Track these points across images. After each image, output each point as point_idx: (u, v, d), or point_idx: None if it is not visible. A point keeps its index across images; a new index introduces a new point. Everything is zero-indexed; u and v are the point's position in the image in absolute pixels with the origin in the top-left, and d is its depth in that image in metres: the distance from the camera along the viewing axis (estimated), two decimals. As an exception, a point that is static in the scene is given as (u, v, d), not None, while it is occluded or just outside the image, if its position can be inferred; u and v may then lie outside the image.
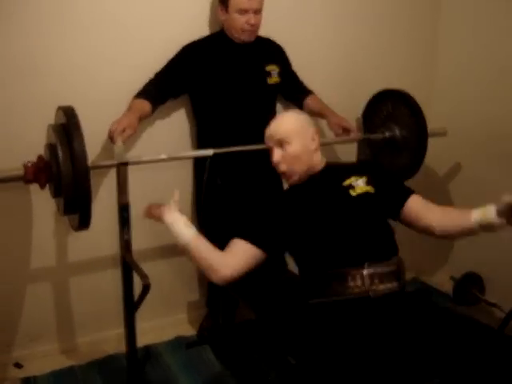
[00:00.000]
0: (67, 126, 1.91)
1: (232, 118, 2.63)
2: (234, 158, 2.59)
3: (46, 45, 2.39)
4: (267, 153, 2.34)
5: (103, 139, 2.14)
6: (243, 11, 2.46)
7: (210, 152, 2.36)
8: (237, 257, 1.95)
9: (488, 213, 2.00)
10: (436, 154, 2.92)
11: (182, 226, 1.94)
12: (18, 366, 2.62)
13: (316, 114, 2.82)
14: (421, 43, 3.37)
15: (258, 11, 2.50)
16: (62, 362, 2.65)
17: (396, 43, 3.27)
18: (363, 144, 2.77)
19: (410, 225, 2.14)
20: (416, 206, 2.10)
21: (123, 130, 2.24)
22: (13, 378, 2.52)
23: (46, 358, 2.66)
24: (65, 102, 2.01)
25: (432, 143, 2.65)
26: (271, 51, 2.73)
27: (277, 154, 2.09)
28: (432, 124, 2.65)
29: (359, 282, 1.91)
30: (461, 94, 3.28)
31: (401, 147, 2.68)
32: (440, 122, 2.90)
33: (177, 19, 2.62)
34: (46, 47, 2.39)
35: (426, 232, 2.10)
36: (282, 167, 2.10)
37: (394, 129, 2.69)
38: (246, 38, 2.56)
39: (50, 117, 2.08)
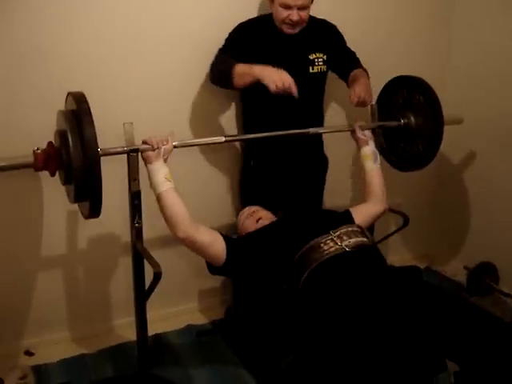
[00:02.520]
0: (77, 112, 1.89)
1: (275, 105, 2.59)
2: (268, 142, 2.62)
3: (57, 30, 2.36)
4: (304, 140, 2.64)
5: (114, 125, 2.11)
6: (287, 6, 2.43)
7: (221, 139, 2.35)
8: (206, 231, 2.15)
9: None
10: (450, 143, 2.88)
11: (162, 178, 2.09)
12: (28, 353, 2.62)
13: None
14: (436, 30, 3.32)
15: (303, 8, 2.45)
16: (72, 350, 2.64)
17: (411, 30, 3.23)
18: (378, 131, 2.72)
19: None
20: None
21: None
22: (24, 366, 2.51)
23: (57, 346, 2.66)
24: (75, 88, 1.98)
25: (446, 131, 2.61)
26: (320, 37, 2.66)
27: None
28: (447, 112, 2.60)
29: (331, 244, 2.11)
30: (476, 82, 3.24)
31: (416, 135, 2.63)
32: (455, 110, 2.85)
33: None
34: (56, 32, 2.37)
35: None
36: None
37: (410, 116, 2.63)
38: (287, 30, 2.51)
39: (60, 103, 2.06)
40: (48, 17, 2.33)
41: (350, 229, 2.20)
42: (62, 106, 2.05)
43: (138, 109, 2.54)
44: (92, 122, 1.86)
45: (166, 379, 2.41)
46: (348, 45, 2.90)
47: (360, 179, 3.06)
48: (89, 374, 2.50)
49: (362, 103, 2.57)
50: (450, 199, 3.53)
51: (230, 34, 2.57)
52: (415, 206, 3.31)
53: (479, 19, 3.19)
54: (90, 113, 1.87)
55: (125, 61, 2.52)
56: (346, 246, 2.11)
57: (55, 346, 2.66)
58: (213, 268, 2.24)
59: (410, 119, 2.63)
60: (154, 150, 2.10)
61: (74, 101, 1.92)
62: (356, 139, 2.60)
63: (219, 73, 2.51)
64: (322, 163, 2.89)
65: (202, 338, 2.78)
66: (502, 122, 3.08)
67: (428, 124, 2.58)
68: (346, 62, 2.78)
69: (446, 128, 2.59)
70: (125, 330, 2.73)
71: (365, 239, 2.19)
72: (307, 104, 2.68)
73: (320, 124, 2.78)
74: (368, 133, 2.60)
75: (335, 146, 2.91)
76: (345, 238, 2.14)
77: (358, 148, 2.62)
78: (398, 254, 3.46)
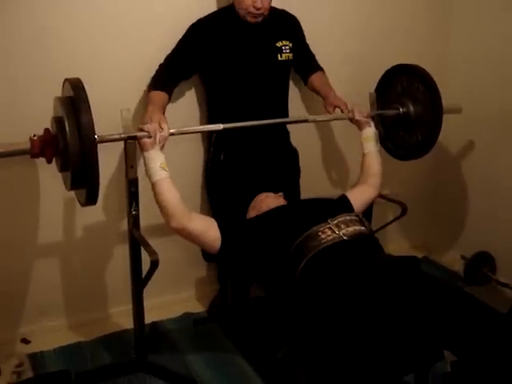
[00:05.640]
0: (74, 99, 1.87)
1: (243, 96, 2.59)
2: (239, 135, 2.57)
3: (54, 16, 2.34)
4: (273, 132, 2.55)
5: (111, 112, 2.09)
6: None
7: (219, 126, 2.32)
8: (199, 219, 2.15)
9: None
10: (449, 132, 2.88)
11: (157, 167, 2.08)
12: (25, 341, 2.62)
13: (317, 93, 2.76)
14: (436, 20, 3.30)
15: None
16: (69, 338, 2.64)
17: (412, 19, 3.21)
18: (376, 120, 2.71)
19: None
20: None
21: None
22: (20, 354, 2.51)
23: (54, 334, 2.65)
24: (73, 75, 1.96)
25: (445, 121, 2.60)
26: (284, 25, 2.65)
27: None
28: (446, 101, 2.59)
29: (329, 232, 2.09)
30: (475, 72, 3.23)
31: (415, 124, 2.62)
32: (454, 100, 2.84)
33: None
34: (53, 19, 2.35)
35: None
36: None
37: (409, 105, 2.62)
38: (251, 20, 2.47)
39: (57, 89, 2.04)
40: (47, 4, 2.31)
41: (348, 217, 2.18)
42: (59, 93, 2.03)
43: (135, 95, 2.53)
44: (89, 108, 1.84)
45: (162, 366, 2.42)
46: (348, 34, 2.89)
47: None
48: (85, 361, 2.50)
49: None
50: (447, 189, 3.53)
51: (186, 32, 2.52)
52: (413, 195, 3.30)
53: (480, 9, 3.17)
54: (87, 99, 1.85)
55: (123, 47, 2.50)
56: (344, 234, 2.09)
57: (52, 333, 2.65)
58: (207, 255, 2.22)
59: (408, 108, 2.62)
60: (149, 137, 2.09)
61: (71, 87, 1.89)
62: (356, 122, 2.60)
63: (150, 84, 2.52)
64: (292, 154, 2.85)
65: (199, 327, 2.78)
66: (501, 112, 3.07)
67: (427, 113, 2.57)
68: (306, 57, 2.78)
69: (445, 118, 2.58)
70: (122, 317, 2.73)
71: (363, 228, 2.18)
72: (274, 93, 2.67)
73: (285, 114, 2.75)
74: (367, 113, 2.61)
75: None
76: (343, 226, 2.12)
77: (360, 130, 2.61)
78: (395, 244, 3.46)
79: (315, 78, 2.77)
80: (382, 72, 2.76)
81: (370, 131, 2.59)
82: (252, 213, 2.41)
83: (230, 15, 2.52)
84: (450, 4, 3.29)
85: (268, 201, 2.41)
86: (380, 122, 2.76)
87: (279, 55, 2.61)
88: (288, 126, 2.79)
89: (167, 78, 2.50)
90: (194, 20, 2.53)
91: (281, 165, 2.77)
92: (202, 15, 2.54)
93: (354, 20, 3.02)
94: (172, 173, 2.11)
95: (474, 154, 3.30)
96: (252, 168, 2.68)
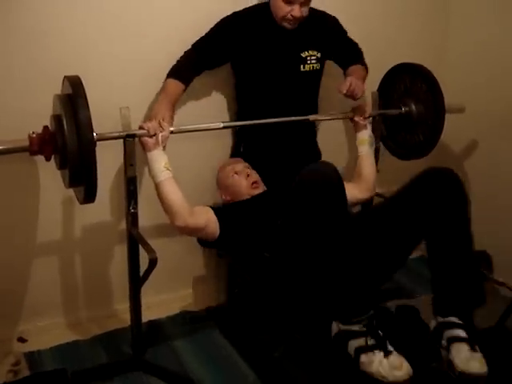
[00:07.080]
0: (73, 97, 1.86)
1: (268, 98, 2.58)
2: (261, 130, 2.58)
3: (54, 13, 2.31)
4: (297, 130, 2.65)
5: (111, 110, 2.07)
6: (289, 1, 2.36)
7: (219, 125, 2.35)
8: (200, 212, 2.21)
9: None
10: (451, 131, 2.86)
11: (161, 167, 2.11)
12: (21, 340, 2.59)
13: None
14: (436, 19, 3.29)
15: (304, 3, 2.39)
16: (66, 337, 2.62)
17: (412, 18, 3.19)
18: (378, 119, 2.70)
19: None
20: None
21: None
22: (16, 352, 2.49)
23: (51, 333, 2.63)
24: (72, 73, 1.95)
25: (447, 120, 2.59)
26: (316, 33, 2.59)
27: None
28: (448, 100, 2.58)
29: None
30: (475, 70, 3.22)
31: (417, 123, 2.62)
32: (455, 99, 2.82)
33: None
34: (53, 15, 2.31)
35: None
36: None
37: (411, 104, 2.62)
38: (286, 26, 2.45)
39: (57, 87, 2.02)
40: (46, 2, 2.28)
41: None
42: (59, 91, 2.02)
43: (136, 94, 2.50)
44: (87, 105, 1.83)
45: (159, 365, 2.42)
46: (348, 32, 2.86)
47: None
48: (83, 360, 2.47)
49: (350, 95, 2.52)
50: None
51: (220, 22, 2.50)
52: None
53: (478, 6, 3.16)
54: (85, 96, 1.84)
55: (124, 46, 2.47)
56: None
57: (49, 332, 2.63)
58: (203, 242, 2.27)
59: (411, 107, 2.62)
60: (150, 136, 2.08)
61: (70, 84, 1.89)
62: (354, 123, 2.60)
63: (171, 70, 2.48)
64: (314, 157, 2.81)
65: (196, 325, 2.76)
66: (503, 110, 3.05)
67: (429, 112, 2.57)
68: (346, 56, 2.74)
69: (446, 116, 2.57)
70: (119, 316, 2.72)
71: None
72: (300, 101, 2.65)
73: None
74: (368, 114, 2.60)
75: (330, 140, 2.90)
76: None
77: (356, 132, 2.61)
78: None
79: (349, 71, 2.70)
80: (383, 71, 2.75)
81: (366, 134, 2.59)
82: (224, 192, 2.50)
83: (264, 15, 2.49)
84: (447, 2, 3.28)
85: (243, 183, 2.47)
86: (382, 121, 2.75)
87: (302, 66, 2.57)
88: (318, 129, 2.81)
89: (190, 66, 2.47)
90: (196, 20, 2.51)
91: (298, 164, 2.75)
92: (207, 15, 2.51)
93: (354, 19, 2.96)
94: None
95: (476, 153, 3.29)
96: (270, 163, 2.66)
